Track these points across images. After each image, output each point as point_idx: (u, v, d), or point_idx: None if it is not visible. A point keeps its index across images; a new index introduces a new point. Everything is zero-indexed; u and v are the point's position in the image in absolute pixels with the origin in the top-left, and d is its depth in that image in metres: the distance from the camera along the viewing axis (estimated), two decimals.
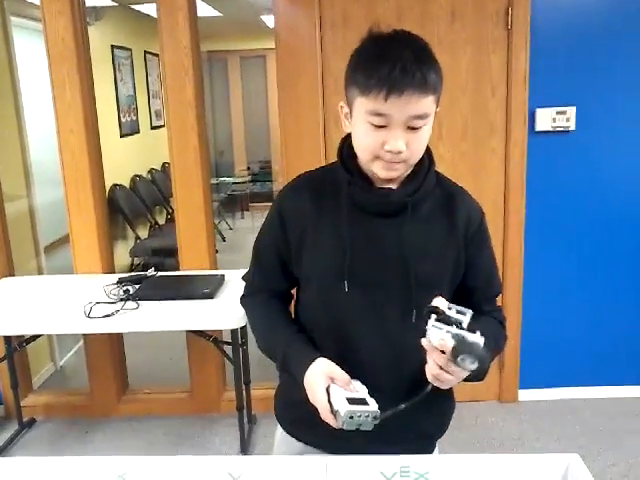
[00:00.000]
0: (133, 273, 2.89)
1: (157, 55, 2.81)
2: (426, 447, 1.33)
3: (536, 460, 1.12)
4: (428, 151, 1.21)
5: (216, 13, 5.90)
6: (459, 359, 0.98)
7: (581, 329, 3.04)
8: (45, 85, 2.82)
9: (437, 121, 3.26)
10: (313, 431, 1.23)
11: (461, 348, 0.99)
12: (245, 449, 2.71)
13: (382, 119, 1.09)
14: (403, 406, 1.08)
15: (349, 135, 1.21)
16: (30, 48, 4.15)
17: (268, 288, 1.33)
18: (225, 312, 2.37)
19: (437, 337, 1.02)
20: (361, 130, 1.13)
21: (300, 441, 1.32)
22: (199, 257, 2.94)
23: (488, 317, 1.31)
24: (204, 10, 5.50)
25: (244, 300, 1.38)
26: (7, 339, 2.86)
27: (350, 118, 1.17)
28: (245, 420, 2.75)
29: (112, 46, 5.51)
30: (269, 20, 5.75)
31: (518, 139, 2.83)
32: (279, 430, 1.38)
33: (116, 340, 3.11)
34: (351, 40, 2.99)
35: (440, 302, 1.05)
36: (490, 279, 1.33)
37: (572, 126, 2.81)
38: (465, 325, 1.02)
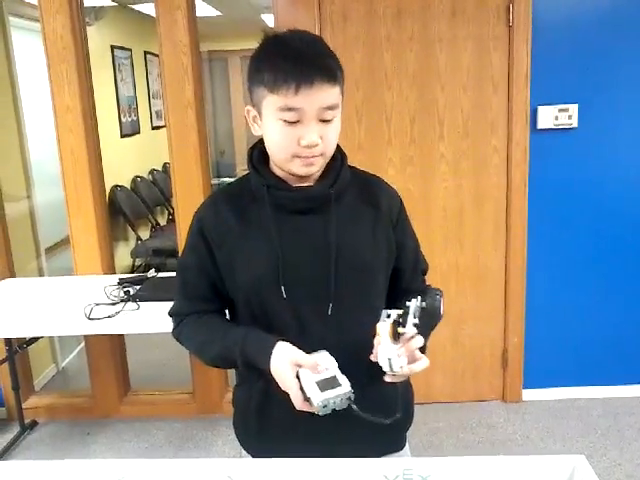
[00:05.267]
0: (134, 274, 2.88)
1: (157, 55, 2.79)
2: (397, 441, 1.34)
3: (541, 461, 1.10)
4: (339, 148, 1.23)
5: (216, 13, 5.89)
6: (440, 308, 1.08)
7: (585, 328, 3.02)
8: (44, 85, 2.81)
9: (437, 119, 3.23)
10: (282, 443, 1.23)
11: (431, 302, 1.07)
12: None
13: (294, 114, 1.09)
14: (387, 421, 1.10)
15: (256, 143, 1.22)
16: (29, 48, 4.14)
17: (198, 310, 1.28)
18: (226, 312, 2.36)
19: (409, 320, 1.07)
20: (274, 129, 1.12)
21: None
22: None
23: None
24: (204, 10, 5.48)
25: (175, 332, 1.31)
26: (8, 341, 2.85)
27: (260, 120, 1.17)
28: None
29: (112, 46, 5.50)
30: (269, 19, 5.74)
31: (520, 137, 2.81)
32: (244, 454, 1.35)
33: (117, 341, 3.10)
34: (351, 37, 2.99)
35: (383, 327, 1.08)
36: (417, 258, 1.37)
37: (574, 123, 2.79)
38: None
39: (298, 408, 1.08)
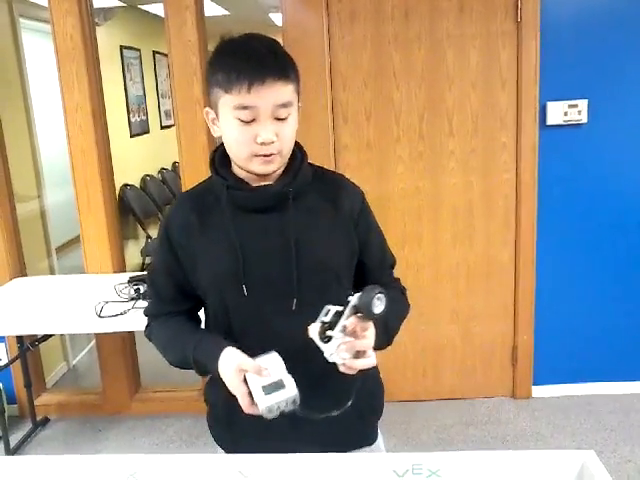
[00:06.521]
0: (144, 272, 2.89)
1: (166, 55, 2.81)
2: (367, 434, 1.35)
3: (551, 457, 1.10)
4: (299, 146, 1.24)
5: (224, 12, 5.90)
6: (374, 307, 1.04)
7: (596, 324, 3.01)
8: (54, 85, 2.83)
9: (446, 116, 3.23)
10: (252, 437, 1.25)
11: (363, 302, 1.04)
12: None
13: (249, 112, 1.11)
14: (322, 416, 1.10)
15: (219, 146, 1.23)
16: (39, 49, 4.17)
17: (168, 312, 1.31)
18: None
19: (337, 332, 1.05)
20: (231, 129, 1.14)
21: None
22: None
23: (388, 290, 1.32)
24: (212, 9, 5.50)
25: (146, 331, 1.35)
26: (20, 339, 2.88)
27: (218, 121, 1.18)
28: None
29: (121, 46, 5.52)
30: (277, 18, 5.74)
31: (529, 133, 2.80)
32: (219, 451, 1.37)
33: (128, 339, 3.12)
34: (359, 36, 2.99)
35: (313, 328, 1.07)
36: (383, 253, 1.36)
37: (584, 119, 2.78)
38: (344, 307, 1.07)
39: (245, 412, 1.10)
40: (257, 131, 1.12)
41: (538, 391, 3.08)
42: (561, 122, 2.78)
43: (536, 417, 2.93)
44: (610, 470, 1.06)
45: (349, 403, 1.11)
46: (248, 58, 1.10)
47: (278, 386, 1.07)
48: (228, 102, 1.12)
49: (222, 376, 1.14)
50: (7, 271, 2.98)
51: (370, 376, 1.33)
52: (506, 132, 2.83)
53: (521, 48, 2.72)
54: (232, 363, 1.13)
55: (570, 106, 2.76)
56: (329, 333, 1.05)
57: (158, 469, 1.15)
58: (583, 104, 2.76)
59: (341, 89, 2.77)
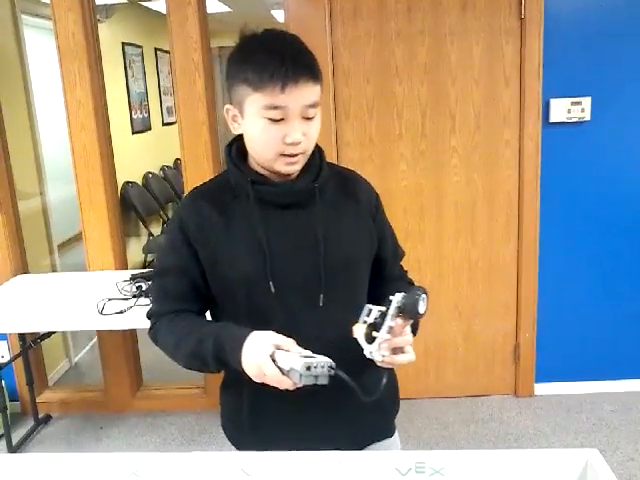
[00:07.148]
0: (146, 269, 2.89)
1: (168, 52, 2.80)
2: (387, 428, 1.38)
3: (555, 455, 1.09)
4: (316, 143, 1.24)
5: (226, 9, 5.89)
6: (419, 307, 1.07)
7: (598, 322, 3.00)
8: (56, 82, 2.82)
9: (449, 113, 3.22)
10: (276, 436, 1.25)
11: (409, 303, 1.06)
12: None
13: (280, 112, 1.10)
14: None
15: (233, 141, 1.23)
16: (41, 46, 4.17)
17: (176, 310, 1.24)
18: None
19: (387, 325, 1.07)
20: (258, 127, 1.13)
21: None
22: None
23: (401, 282, 1.36)
24: (214, 6, 5.49)
25: (151, 332, 1.27)
26: (22, 336, 2.88)
27: (241, 118, 1.17)
28: None
29: (123, 43, 5.52)
30: (279, 15, 5.73)
31: (532, 130, 2.79)
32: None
33: (130, 336, 3.12)
34: (362, 32, 2.98)
35: (358, 329, 1.07)
36: (395, 246, 1.40)
37: (587, 117, 2.76)
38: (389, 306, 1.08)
39: (275, 384, 1.05)
40: (286, 131, 1.11)
41: (540, 389, 3.08)
42: (564, 119, 2.77)
43: (538, 415, 2.92)
44: (613, 468, 1.05)
45: (384, 381, 1.12)
46: (281, 57, 1.08)
47: (311, 356, 1.06)
48: (257, 101, 1.10)
49: (246, 358, 1.08)
50: (9, 268, 2.98)
51: (393, 372, 1.33)
52: (509, 129, 2.82)
53: (524, 45, 2.71)
54: (263, 339, 1.08)
55: (573, 103, 2.75)
56: (375, 334, 1.06)
57: (160, 467, 1.15)
58: (586, 101, 2.75)
59: (343, 85, 2.76)
